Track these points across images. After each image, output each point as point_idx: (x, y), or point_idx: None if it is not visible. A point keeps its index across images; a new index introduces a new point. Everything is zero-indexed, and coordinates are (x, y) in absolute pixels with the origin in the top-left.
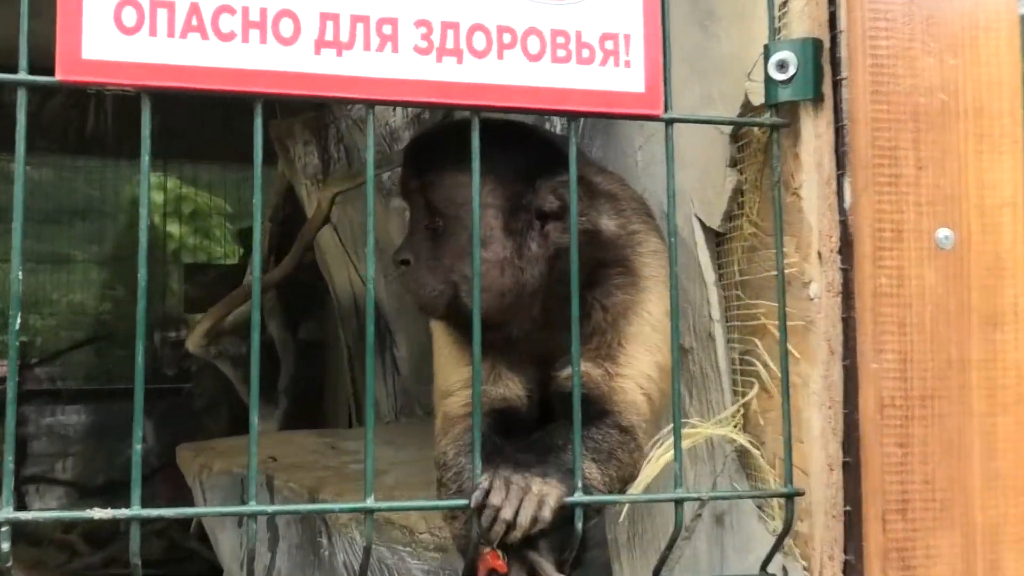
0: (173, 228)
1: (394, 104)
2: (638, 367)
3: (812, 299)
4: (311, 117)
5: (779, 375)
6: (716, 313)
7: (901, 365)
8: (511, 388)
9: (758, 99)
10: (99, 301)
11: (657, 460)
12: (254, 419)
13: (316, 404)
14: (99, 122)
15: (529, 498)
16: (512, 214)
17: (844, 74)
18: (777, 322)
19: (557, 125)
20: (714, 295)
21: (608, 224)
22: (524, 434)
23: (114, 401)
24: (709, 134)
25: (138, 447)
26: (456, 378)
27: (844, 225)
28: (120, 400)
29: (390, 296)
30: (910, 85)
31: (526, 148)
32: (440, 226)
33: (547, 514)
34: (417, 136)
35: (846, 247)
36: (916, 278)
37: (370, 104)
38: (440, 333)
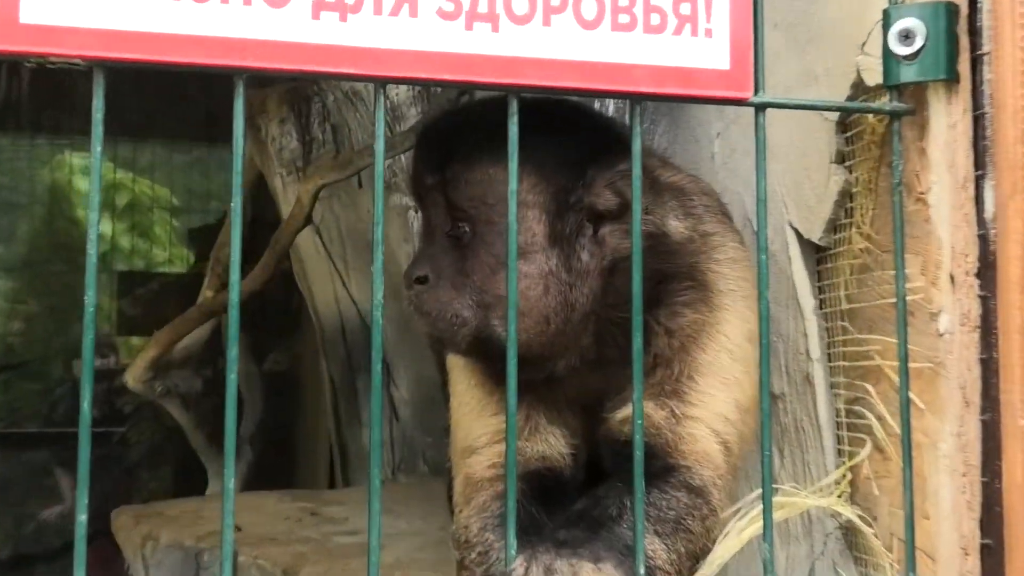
0: (103, 225)
1: (411, 83)
2: (712, 406)
3: (942, 334)
4: (290, 89)
5: (898, 431)
6: (815, 350)
7: None
8: (551, 444)
9: (874, 78)
10: (4, 319)
11: (739, 535)
12: (230, 482)
13: (289, 456)
14: (11, 88)
15: None
16: (558, 215)
17: (987, 48)
18: (896, 363)
19: (610, 107)
20: (813, 327)
21: (676, 226)
22: (567, 502)
23: (23, 449)
24: (809, 122)
25: (83, 518)
26: (481, 431)
27: (984, 241)
28: (30, 447)
29: (388, 320)
30: None
31: (574, 132)
32: (466, 233)
33: None
34: (434, 117)
35: (987, 269)
36: None
37: (380, 83)
38: (460, 373)
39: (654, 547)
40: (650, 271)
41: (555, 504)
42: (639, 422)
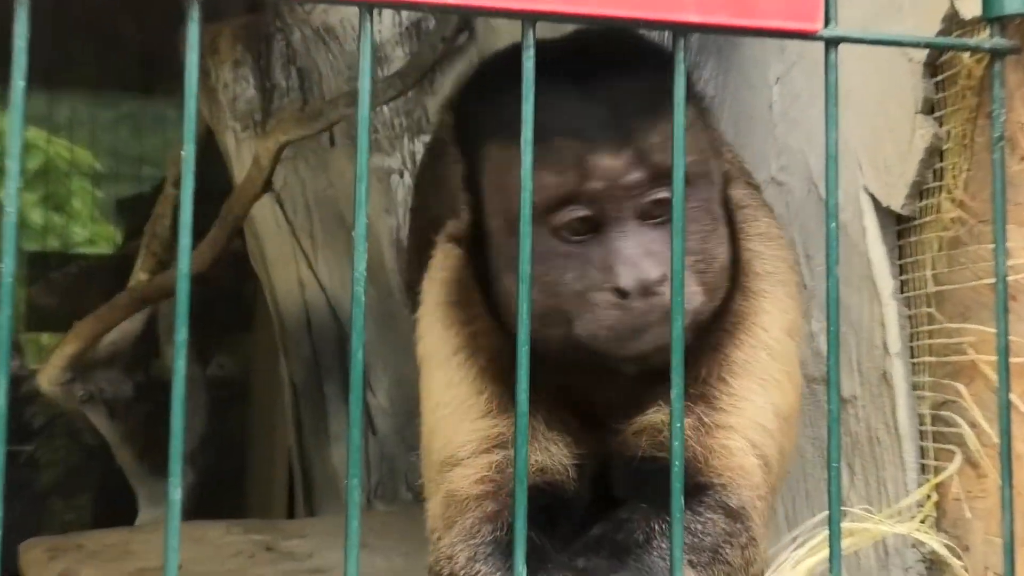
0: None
1: (404, 7)
2: (748, 413)
3: None
4: (245, 23)
5: (995, 441)
6: (895, 342)
7: None
8: (552, 454)
9: (971, 9)
10: None
11: (795, 567)
12: (174, 515)
13: (238, 479)
14: None
15: None
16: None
17: None
18: (994, 358)
19: None
20: (892, 314)
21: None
22: (569, 525)
23: None
24: (891, 63)
25: None
26: (466, 437)
27: None
28: None
29: (365, 310)
30: None
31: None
32: (668, 201)
33: None
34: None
35: None
36: None
37: (367, 7)
38: (437, 363)
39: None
40: None
41: (554, 527)
42: (678, 425)
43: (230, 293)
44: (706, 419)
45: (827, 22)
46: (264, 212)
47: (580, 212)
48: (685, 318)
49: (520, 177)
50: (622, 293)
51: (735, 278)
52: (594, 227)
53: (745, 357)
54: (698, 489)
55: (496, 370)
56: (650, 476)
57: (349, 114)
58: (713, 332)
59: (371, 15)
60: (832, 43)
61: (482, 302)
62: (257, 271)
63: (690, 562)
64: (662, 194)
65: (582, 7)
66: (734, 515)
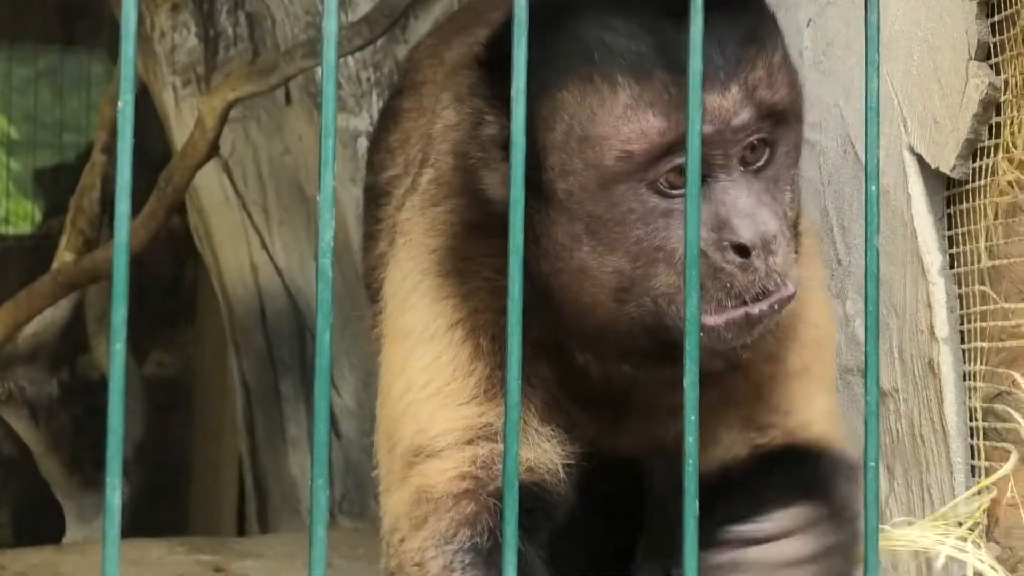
0: None
1: None
2: (817, 409)
3: None
4: None
5: None
6: (943, 326)
7: None
8: (545, 451)
9: None
10: None
11: None
12: (113, 523)
13: (182, 491)
14: None
15: None
16: None
17: None
18: None
19: None
20: (940, 293)
21: None
22: (552, 530)
23: None
24: (940, 1)
25: None
26: (449, 424)
27: None
28: None
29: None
30: None
31: None
32: (766, 149)
33: None
34: None
35: None
36: None
37: None
38: (430, 337)
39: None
40: None
41: (536, 531)
42: (692, 418)
43: (169, 279)
44: (786, 425)
45: None
46: (209, 182)
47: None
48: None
49: (614, 123)
50: (743, 250)
51: None
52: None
53: (803, 361)
54: (803, 459)
55: (495, 351)
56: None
57: (308, 67)
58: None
59: None
60: None
61: (489, 276)
62: (201, 252)
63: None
64: (763, 134)
65: None
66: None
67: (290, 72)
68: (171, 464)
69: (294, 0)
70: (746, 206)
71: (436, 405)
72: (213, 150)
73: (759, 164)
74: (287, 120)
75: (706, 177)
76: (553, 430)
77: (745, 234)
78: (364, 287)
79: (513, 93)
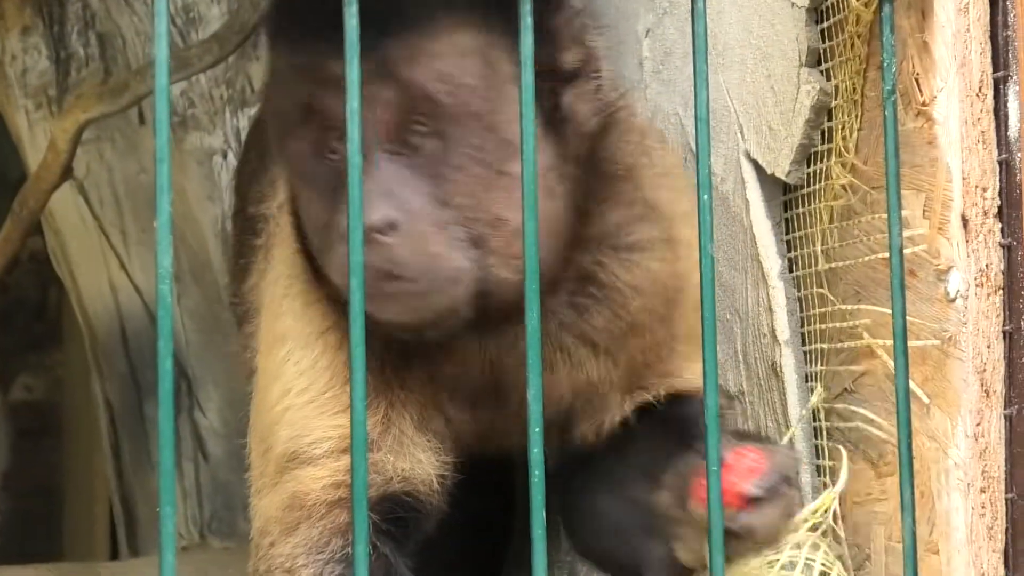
0: None
1: None
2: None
3: (952, 299)
4: None
5: (895, 435)
6: (784, 329)
7: None
8: (420, 461)
9: None
10: None
11: None
12: None
13: (52, 517)
14: None
15: None
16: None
17: None
18: (891, 342)
19: None
20: (780, 297)
21: (635, 111)
22: (421, 541)
23: None
24: (772, 8)
25: None
26: (325, 432)
27: (1008, 168)
28: None
29: (189, 315)
30: None
31: None
32: (430, 138)
33: None
34: None
35: (1011, 208)
36: None
37: None
38: (306, 342)
39: None
40: (588, 183)
41: (406, 541)
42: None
43: (34, 302)
44: (676, 386)
45: None
46: (65, 205)
47: (325, 135)
48: (430, 286)
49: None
50: (342, 235)
51: (662, 229)
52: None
53: (691, 324)
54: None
55: (370, 358)
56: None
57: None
58: (653, 297)
59: None
60: None
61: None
62: (60, 275)
63: None
64: (419, 126)
65: None
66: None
67: (141, 92)
68: (43, 489)
69: (143, 19)
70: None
71: (312, 412)
72: (67, 173)
73: (417, 154)
74: (141, 140)
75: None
76: (429, 439)
77: (342, 222)
78: (231, 311)
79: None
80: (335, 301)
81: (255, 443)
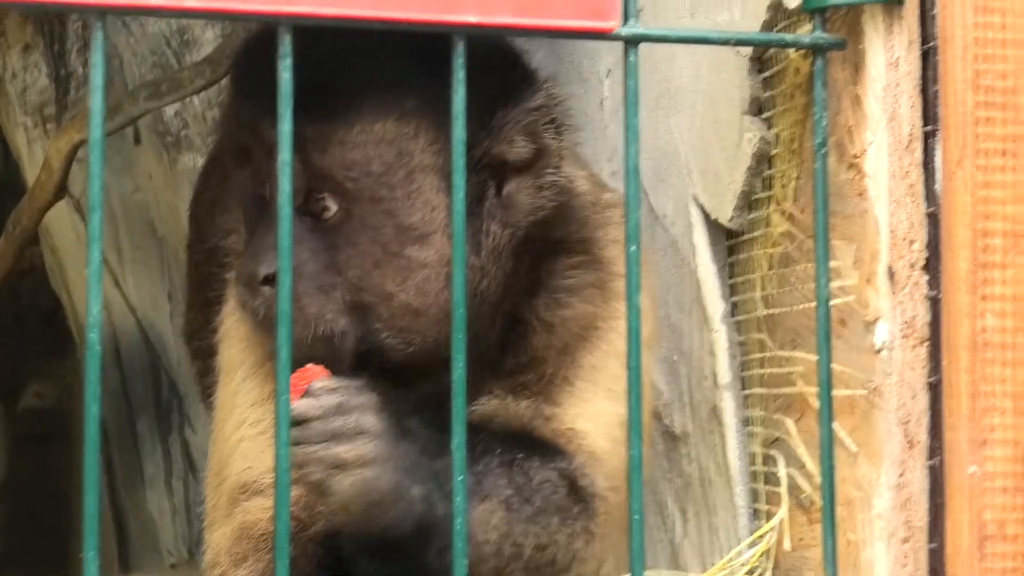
0: None
1: (131, 13)
2: (593, 415)
3: (879, 350)
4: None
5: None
6: (725, 373)
7: (1018, 468)
8: None
9: None
10: None
11: None
12: None
13: (51, 531)
14: None
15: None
16: (479, 178)
17: None
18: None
19: None
20: (722, 340)
21: (583, 183)
22: (369, 566)
23: None
24: (719, 56)
25: None
26: (273, 463)
27: (935, 222)
28: None
29: (177, 330)
30: None
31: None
32: (333, 212)
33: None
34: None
35: (937, 260)
36: None
37: (100, 12)
38: (251, 371)
39: (488, 510)
40: (538, 243)
41: (353, 566)
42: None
43: (46, 308)
44: (546, 410)
45: (626, 19)
46: (61, 223)
47: (251, 180)
48: (302, 335)
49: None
50: (237, 277)
51: (598, 276)
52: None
53: (596, 363)
54: (543, 448)
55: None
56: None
57: (152, 108)
58: (563, 333)
59: (103, 22)
60: (631, 43)
61: None
62: (56, 291)
63: (505, 502)
64: (323, 199)
65: (342, 8)
66: (578, 493)
67: (135, 113)
68: (42, 503)
69: (140, 40)
70: (259, 244)
71: (265, 443)
72: (60, 192)
73: (323, 220)
74: (137, 159)
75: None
76: None
77: (241, 267)
78: (185, 345)
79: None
80: None
81: (211, 476)
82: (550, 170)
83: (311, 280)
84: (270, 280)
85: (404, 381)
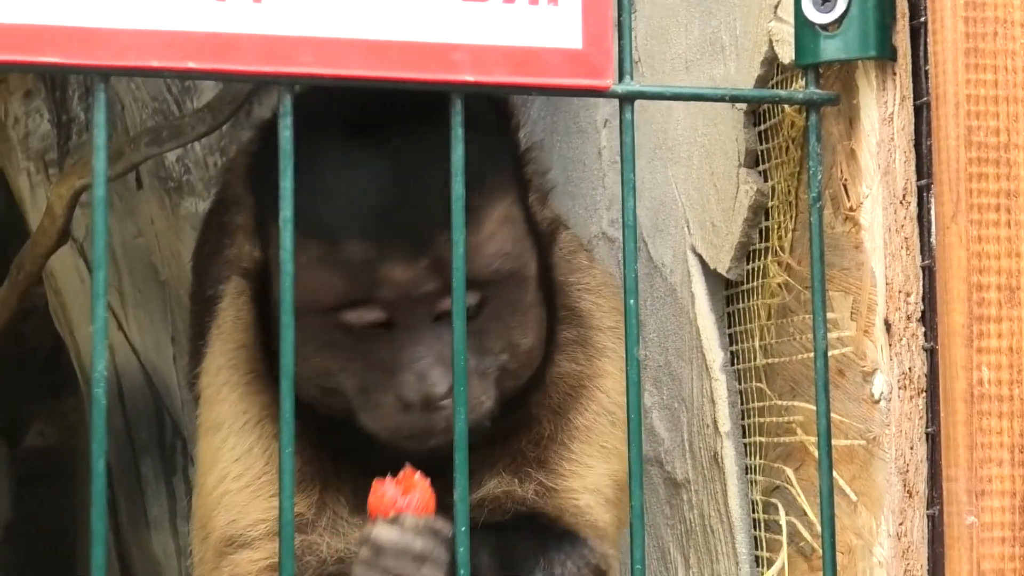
0: None
1: (134, 73)
2: (588, 481)
3: (877, 400)
4: None
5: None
6: (725, 421)
7: (1016, 518)
8: (355, 544)
9: (789, 53)
10: None
11: None
12: None
13: (56, 570)
14: None
15: None
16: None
17: (926, 15)
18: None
19: None
20: (722, 389)
21: (564, 236)
22: None
23: None
24: (715, 109)
25: None
26: (262, 515)
27: (930, 274)
28: None
29: (183, 374)
30: None
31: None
32: (474, 304)
33: None
34: (358, 182)
35: (934, 312)
36: None
37: (103, 74)
38: (239, 429)
39: None
40: None
41: None
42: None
43: (50, 347)
44: (548, 483)
45: (621, 76)
46: (65, 266)
47: (372, 315)
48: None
49: (307, 278)
50: (406, 404)
51: (580, 333)
52: (386, 324)
53: (588, 424)
54: (562, 538)
55: (304, 447)
56: (496, 533)
57: (153, 154)
58: (554, 392)
59: (107, 83)
60: (627, 100)
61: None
62: (61, 333)
63: None
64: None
65: (344, 68)
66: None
67: (136, 159)
68: (47, 546)
69: (141, 86)
70: (419, 366)
71: (249, 496)
72: (63, 237)
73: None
74: (139, 204)
75: (394, 326)
76: (365, 520)
77: (408, 393)
78: (189, 391)
79: (281, 221)
80: (272, 393)
81: (195, 530)
82: (546, 185)
83: (473, 377)
84: (431, 402)
85: None
